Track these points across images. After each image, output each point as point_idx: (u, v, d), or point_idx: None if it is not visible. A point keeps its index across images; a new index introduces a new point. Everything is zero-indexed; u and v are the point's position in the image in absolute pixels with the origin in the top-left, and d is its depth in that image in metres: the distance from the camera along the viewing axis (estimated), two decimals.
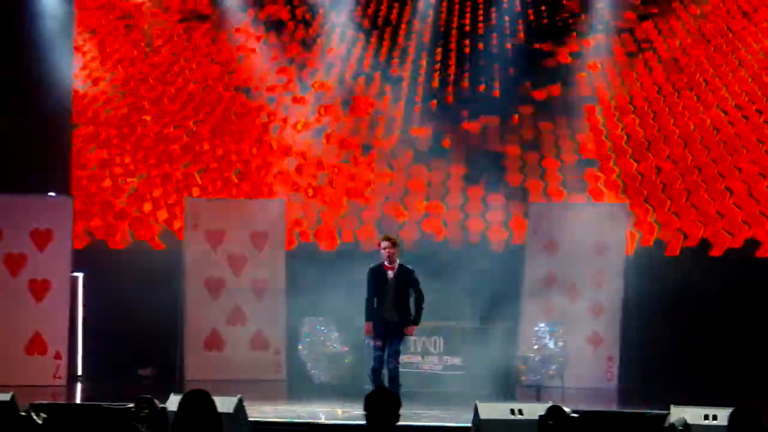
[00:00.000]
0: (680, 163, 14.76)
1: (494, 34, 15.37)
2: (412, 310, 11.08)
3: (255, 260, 14.30)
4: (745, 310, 13.87)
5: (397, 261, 11.08)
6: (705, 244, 14.39)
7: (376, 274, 11.04)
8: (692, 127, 14.86)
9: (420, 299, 11.06)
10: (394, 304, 11.01)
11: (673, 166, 14.78)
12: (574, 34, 15.33)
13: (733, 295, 13.82)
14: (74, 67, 15.39)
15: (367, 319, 11.05)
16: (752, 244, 14.32)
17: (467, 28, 15.62)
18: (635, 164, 14.89)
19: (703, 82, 14.95)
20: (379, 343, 11.00)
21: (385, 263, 11.03)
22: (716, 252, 14.31)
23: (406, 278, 11.04)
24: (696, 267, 14.05)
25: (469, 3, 15.63)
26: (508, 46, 15.39)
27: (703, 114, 14.84)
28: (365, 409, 6.35)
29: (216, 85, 15.73)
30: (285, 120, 15.54)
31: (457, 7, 15.65)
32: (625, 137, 15.00)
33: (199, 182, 15.41)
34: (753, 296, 13.97)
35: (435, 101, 15.39)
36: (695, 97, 14.93)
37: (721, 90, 14.86)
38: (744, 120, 14.73)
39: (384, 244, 11.02)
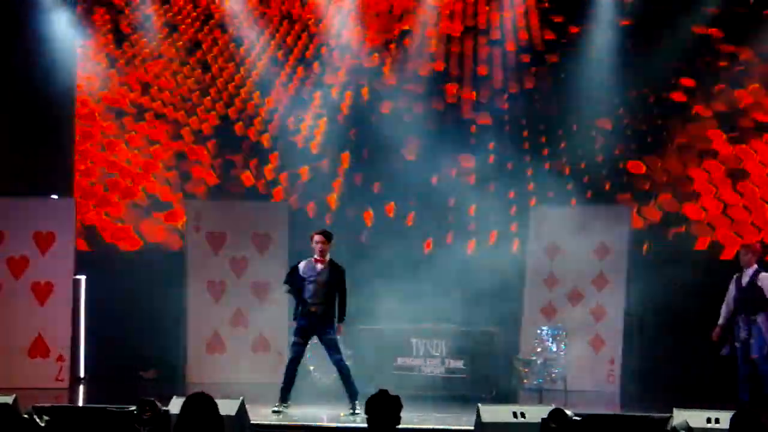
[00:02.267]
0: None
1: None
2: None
3: (257, 262, 14.30)
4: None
5: (328, 256, 11.26)
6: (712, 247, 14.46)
7: (304, 268, 11.23)
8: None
9: (344, 298, 11.28)
10: (322, 298, 11.19)
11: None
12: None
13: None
14: (78, 69, 15.40)
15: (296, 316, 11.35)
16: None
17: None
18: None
19: None
20: (299, 339, 11.24)
21: (316, 257, 11.22)
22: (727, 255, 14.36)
23: (336, 275, 11.24)
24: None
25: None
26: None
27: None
28: (366, 411, 6.36)
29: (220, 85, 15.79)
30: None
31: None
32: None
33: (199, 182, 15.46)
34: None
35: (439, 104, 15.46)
36: None
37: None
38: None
39: (317, 238, 11.26)
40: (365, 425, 6.44)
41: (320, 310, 11.18)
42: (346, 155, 15.38)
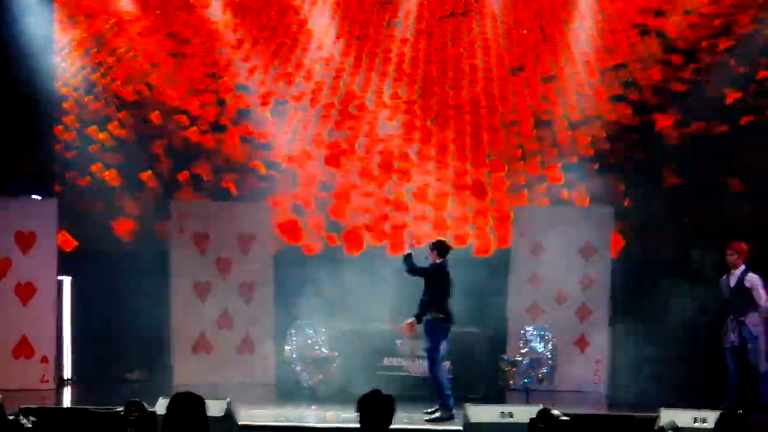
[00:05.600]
0: None
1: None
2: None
3: (242, 263, 14.27)
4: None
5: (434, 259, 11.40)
6: None
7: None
8: None
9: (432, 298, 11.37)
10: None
11: None
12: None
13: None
14: (59, 68, 15.33)
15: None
16: None
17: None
18: None
19: None
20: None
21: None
22: None
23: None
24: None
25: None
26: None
27: None
28: (358, 410, 6.32)
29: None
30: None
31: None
32: None
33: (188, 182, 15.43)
34: None
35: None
36: None
37: None
38: None
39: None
40: (356, 425, 6.41)
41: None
42: (311, 155, 15.36)
